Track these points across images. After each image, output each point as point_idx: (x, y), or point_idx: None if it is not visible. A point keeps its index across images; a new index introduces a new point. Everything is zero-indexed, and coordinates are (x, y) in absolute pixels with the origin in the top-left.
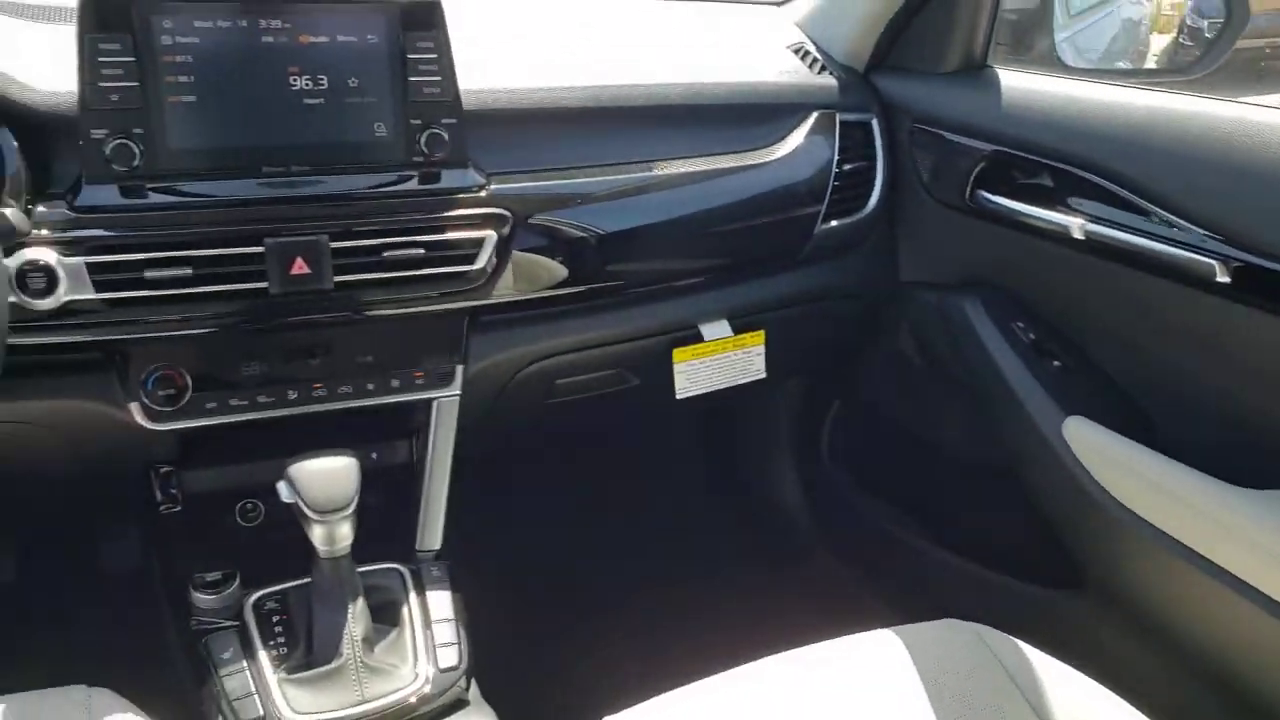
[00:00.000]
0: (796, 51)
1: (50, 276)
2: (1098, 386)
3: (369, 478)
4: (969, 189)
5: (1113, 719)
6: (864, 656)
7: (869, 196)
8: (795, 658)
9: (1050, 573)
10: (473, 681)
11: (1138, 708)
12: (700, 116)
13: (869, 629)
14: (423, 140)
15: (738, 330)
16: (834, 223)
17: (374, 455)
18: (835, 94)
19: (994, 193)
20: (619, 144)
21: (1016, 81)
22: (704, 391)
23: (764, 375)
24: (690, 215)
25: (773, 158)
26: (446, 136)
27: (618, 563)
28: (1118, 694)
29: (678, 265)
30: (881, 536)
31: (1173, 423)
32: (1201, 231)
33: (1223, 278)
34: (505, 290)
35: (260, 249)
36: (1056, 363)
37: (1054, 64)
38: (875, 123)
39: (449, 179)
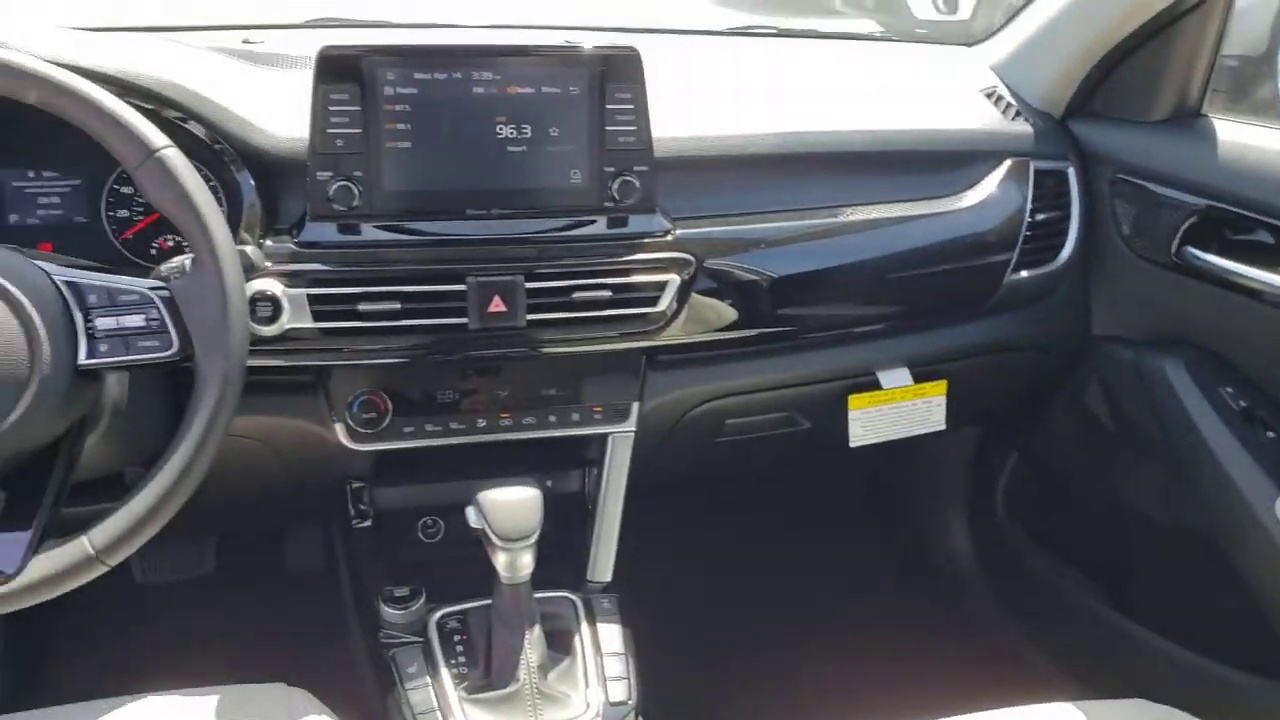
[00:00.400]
0: (989, 96)
1: (275, 306)
2: None
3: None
4: (1176, 244)
5: None
6: None
7: (1062, 247)
8: None
9: (1254, 657)
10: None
11: None
12: (888, 163)
13: (1045, 699)
14: (615, 187)
15: (918, 379)
16: (1024, 273)
17: (549, 483)
18: (1030, 141)
19: (1204, 250)
20: (805, 190)
21: (1235, 133)
22: (880, 440)
23: (944, 427)
24: (874, 262)
25: (961, 205)
26: (638, 183)
27: (780, 606)
28: None
29: (859, 312)
30: (1060, 600)
31: None
32: None
33: None
34: (683, 332)
35: (462, 287)
36: (1270, 434)
37: (1275, 111)
38: (1071, 172)
39: (637, 224)
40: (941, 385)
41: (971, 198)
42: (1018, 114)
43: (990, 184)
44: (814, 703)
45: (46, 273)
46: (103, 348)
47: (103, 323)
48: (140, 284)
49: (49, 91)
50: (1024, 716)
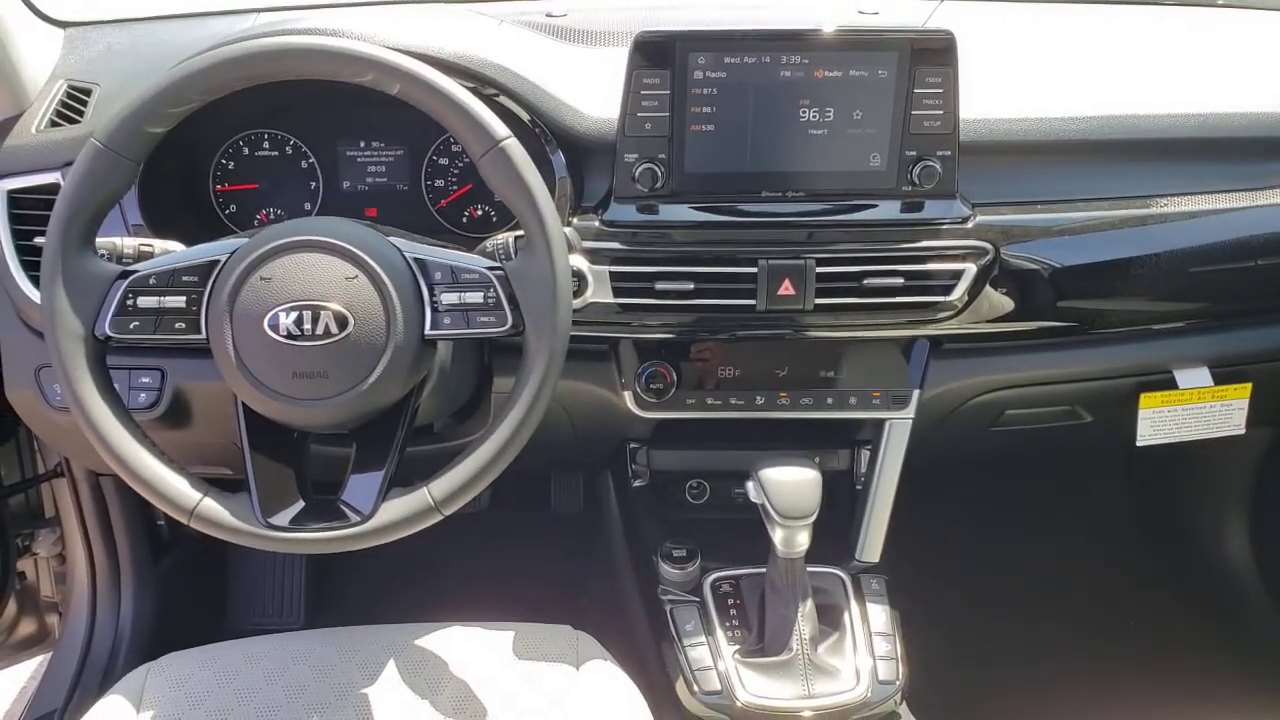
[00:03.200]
0: None
1: (581, 280)
2: None
3: None
4: None
5: None
6: None
7: None
8: None
9: None
10: (905, 701)
11: None
12: (1216, 150)
13: None
14: (915, 171)
15: (1219, 380)
16: None
17: (816, 459)
18: None
19: None
20: (1119, 178)
21: None
22: (1169, 441)
23: (1243, 431)
24: (1189, 255)
25: None
26: (939, 168)
27: (1045, 601)
28: None
29: (1164, 307)
30: None
31: None
32: None
33: None
34: (972, 321)
35: (753, 269)
36: None
37: None
38: None
39: (935, 209)
40: (1246, 388)
41: None
42: None
43: None
44: (1077, 706)
45: (399, 249)
46: (446, 320)
47: (446, 298)
48: (479, 263)
49: (410, 85)
50: None
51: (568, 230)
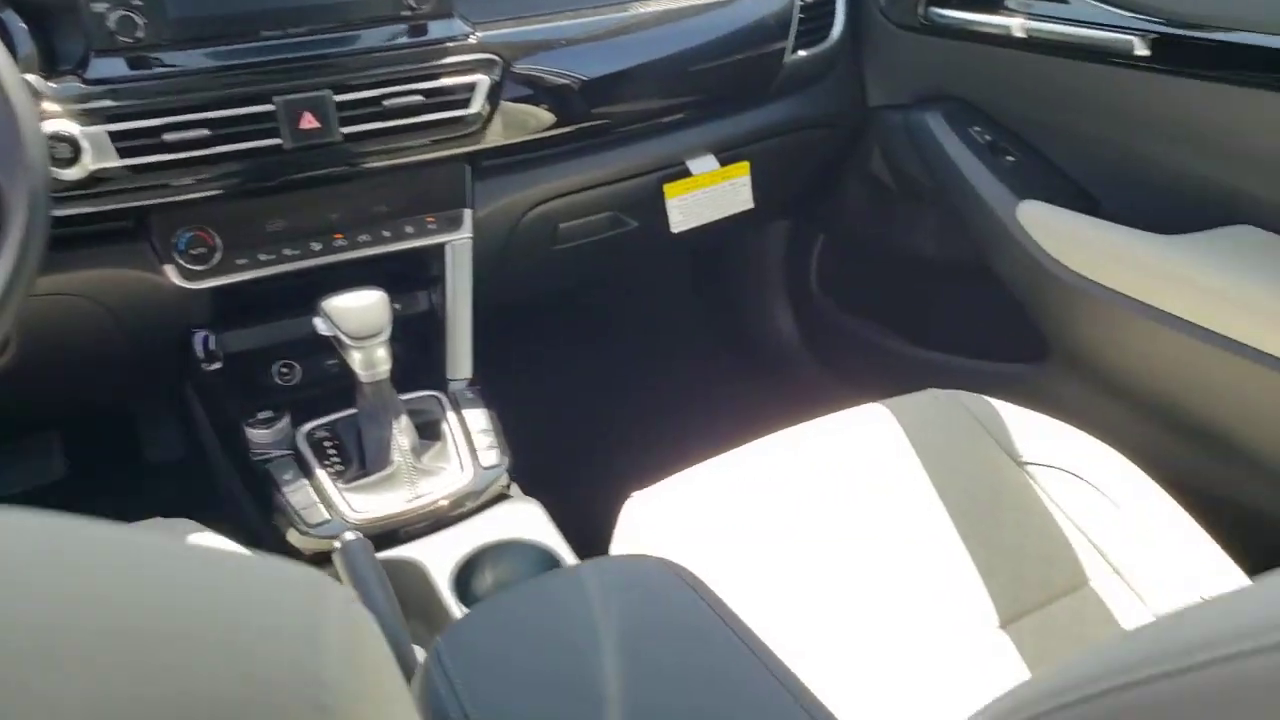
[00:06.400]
0: None
1: (74, 146)
2: (1047, 174)
3: (397, 326)
4: (922, 6)
5: (1077, 448)
6: (856, 424)
7: (831, 26)
8: (795, 433)
9: (1020, 349)
10: (513, 482)
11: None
12: None
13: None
14: None
15: (723, 164)
16: (801, 54)
17: (397, 306)
18: None
19: (944, 6)
20: None
21: None
22: (698, 224)
23: (752, 205)
24: (665, 54)
25: None
26: None
27: (628, 382)
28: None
29: (657, 104)
30: (868, 349)
31: (1114, 195)
32: (1120, 11)
33: (1141, 50)
34: (499, 136)
35: (270, 107)
36: (1010, 158)
37: None
38: None
39: (437, 29)
40: (744, 166)
41: None
42: None
43: None
44: (663, 442)
45: None
46: None
47: None
48: None
49: None
50: (837, 420)
51: (32, 78)
